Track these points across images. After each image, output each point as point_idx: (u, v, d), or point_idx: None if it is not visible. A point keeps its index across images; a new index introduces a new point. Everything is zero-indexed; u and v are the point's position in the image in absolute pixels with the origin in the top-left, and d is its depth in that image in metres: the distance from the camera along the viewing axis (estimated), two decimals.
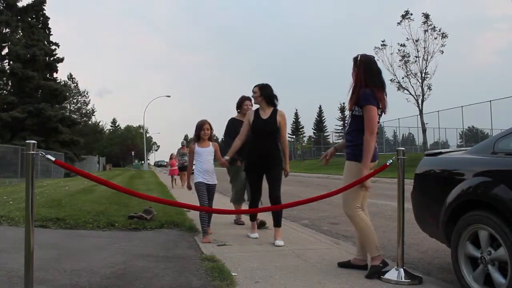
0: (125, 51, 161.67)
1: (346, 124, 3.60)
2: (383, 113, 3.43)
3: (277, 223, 4.57)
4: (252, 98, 4.89)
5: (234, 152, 4.77)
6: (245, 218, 5.88)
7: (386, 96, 3.42)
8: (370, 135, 3.26)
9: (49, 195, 9.45)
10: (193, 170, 5.03)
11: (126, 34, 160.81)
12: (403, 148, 3.38)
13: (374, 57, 3.51)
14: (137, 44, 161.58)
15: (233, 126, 5.51)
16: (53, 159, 2.57)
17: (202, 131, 4.82)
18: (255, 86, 4.73)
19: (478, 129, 29.27)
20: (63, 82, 43.99)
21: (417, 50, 26.17)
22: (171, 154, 15.34)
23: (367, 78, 3.33)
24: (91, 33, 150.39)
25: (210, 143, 4.89)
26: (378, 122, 3.40)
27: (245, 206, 5.60)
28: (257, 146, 4.60)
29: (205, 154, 4.81)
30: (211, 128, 4.90)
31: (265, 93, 4.65)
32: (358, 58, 3.43)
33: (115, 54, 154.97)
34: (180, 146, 15.17)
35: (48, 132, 31.18)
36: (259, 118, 4.63)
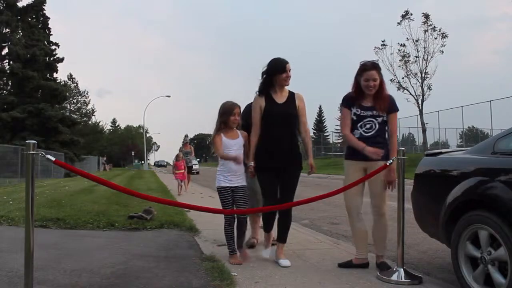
0: (125, 51, 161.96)
1: (369, 129, 3.51)
2: None
3: (282, 238, 3.75)
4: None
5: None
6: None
7: None
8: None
9: (49, 195, 9.44)
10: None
11: (126, 34, 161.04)
12: (403, 148, 3.39)
13: None
14: (137, 44, 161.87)
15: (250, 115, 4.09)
16: (53, 159, 2.57)
17: (231, 116, 3.68)
18: (287, 62, 3.69)
19: (478, 129, 29.28)
20: (63, 82, 43.97)
21: (417, 50, 26.29)
22: (178, 155, 12.26)
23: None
24: (91, 33, 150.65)
25: (239, 132, 3.77)
26: None
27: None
28: (271, 138, 3.67)
29: (235, 147, 3.70)
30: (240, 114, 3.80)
31: None
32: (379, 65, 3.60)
33: (115, 54, 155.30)
34: (182, 144, 13.15)
35: (48, 132, 31.17)
36: (274, 102, 3.69)
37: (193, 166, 15.04)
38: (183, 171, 11.81)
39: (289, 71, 3.68)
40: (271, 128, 3.67)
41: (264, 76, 3.72)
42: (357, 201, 3.55)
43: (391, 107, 3.53)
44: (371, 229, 3.61)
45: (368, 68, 3.46)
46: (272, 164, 3.65)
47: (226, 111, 3.70)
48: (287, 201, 3.64)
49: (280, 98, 3.71)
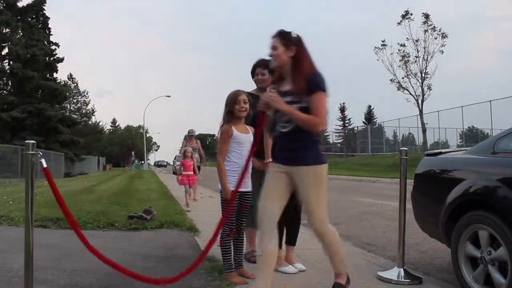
0: (125, 51, 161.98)
1: (287, 123, 2.65)
2: None
3: (293, 241, 3.61)
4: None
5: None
6: None
7: None
8: (323, 126, 2.57)
9: (49, 195, 9.44)
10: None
11: (126, 34, 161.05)
12: (406, 148, 3.39)
13: None
14: (137, 44, 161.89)
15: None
16: (45, 165, 2.58)
17: (236, 105, 3.12)
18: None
19: (478, 129, 29.28)
20: (63, 82, 43.97)
21: (417, 50, 26.28)
22: (186, 150, 8.85)
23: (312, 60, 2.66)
24: (91, 33, 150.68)
25: (247, 127, 3.22)
26: None
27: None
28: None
29: (247, 143, 3.14)
30: (249, 103, 3.20)
31: None
32: (297, 36, 2.67)
33: (115, 54, 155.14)
34: (185, 138, 10.03)
35: (48, 132, 31.19)
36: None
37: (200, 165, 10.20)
38: (191, 172, 8.68)
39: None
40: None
41: None
42: (272, 210, 2.67)
43: (311, 86, 2.55)
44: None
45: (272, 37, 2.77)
46: None
47: (230, 100, 3.17)
48: (300, 207, 3.32)
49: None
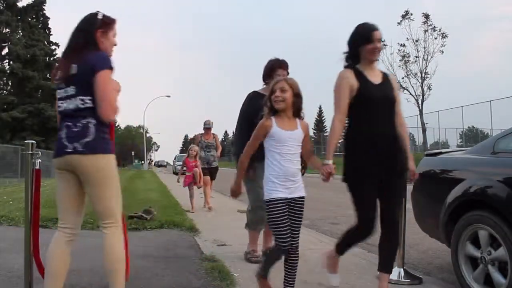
0: (125, 51, 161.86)
1: None
2: (63, 85, 2.47)
3: (390, 266, 2.80)
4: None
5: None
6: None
7: (69, 60, 2.47)
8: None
9: (49, 195, 9.43)
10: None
11: (126, 34, 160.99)
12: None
13: (103, 16, 2.60)
14: (137, 44, 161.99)
15: (254, 106, 3.34)
16: (37, 167, 2.60)
17: (272, 94, 2.57)
18: (376, 29, 2.67)
19: (478, 129, 29.29)
20: None
21: (417, 50, 26.35)
22: (190, 148, 7.82)
23: None
24: None
25: (298, 121, 2.60)
26: (63, 99, 2.47)
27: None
28: (372, 130, 2.62)
29: (292, 142, 2.54)
30: (294, 92, 2.57)
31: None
32: (99, 18, 2.65)
33: (115, 54, 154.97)
34: (202, 132, 8.07)
35: (48, 132, 31.19)
36: (369, 82, 2.65)
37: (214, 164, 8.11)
38: (195, 171, 7.49)
39: (378, 42, 2.67)
40: (370, 116, 2.63)
41: (349, 47, 2.75)
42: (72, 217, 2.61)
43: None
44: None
45: None
46: (377, 170, 2.61)
47: (270, 89, 2.61)
48: (395, 212, 2.73)
49: (375, 77, 2.70)
